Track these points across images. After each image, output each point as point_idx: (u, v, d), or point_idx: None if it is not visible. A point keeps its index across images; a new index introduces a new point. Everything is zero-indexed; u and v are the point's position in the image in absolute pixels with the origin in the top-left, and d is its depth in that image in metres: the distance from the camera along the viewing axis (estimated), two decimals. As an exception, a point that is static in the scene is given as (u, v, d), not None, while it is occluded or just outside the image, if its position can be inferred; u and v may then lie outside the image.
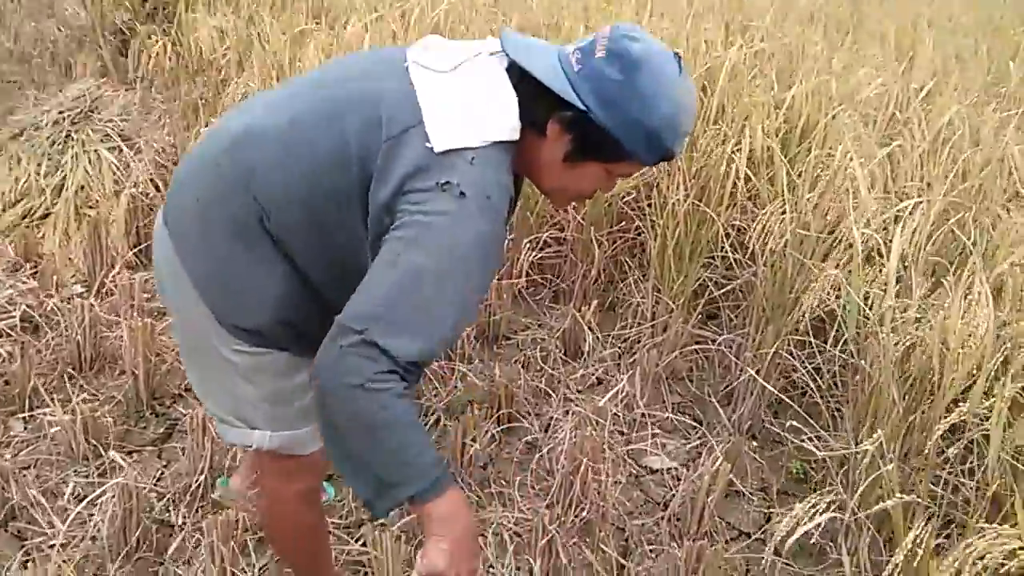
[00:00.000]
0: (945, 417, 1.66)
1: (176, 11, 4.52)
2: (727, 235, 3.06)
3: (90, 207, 3.41)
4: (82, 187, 3.43)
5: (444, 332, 1.27)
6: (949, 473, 1.95)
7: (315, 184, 1.37)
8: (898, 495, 1.56)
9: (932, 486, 1.91)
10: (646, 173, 3.26)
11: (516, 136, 1.35)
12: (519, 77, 1.37)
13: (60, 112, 3.67)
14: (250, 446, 1.61)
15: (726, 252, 3.03)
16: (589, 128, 1.35)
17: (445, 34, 3.71)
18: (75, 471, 2.39)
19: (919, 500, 1.67)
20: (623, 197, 3.32)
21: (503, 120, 1.34)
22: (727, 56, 3.30)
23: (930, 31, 4.75)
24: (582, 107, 1.33)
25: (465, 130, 1.31)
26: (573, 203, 1.48)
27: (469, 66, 1.39)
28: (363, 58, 1.64)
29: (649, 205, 3.21)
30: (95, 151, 3.52)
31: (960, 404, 1.67)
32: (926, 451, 1.71)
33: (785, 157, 2.98)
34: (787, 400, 2.71)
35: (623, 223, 3.33)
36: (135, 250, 3.26)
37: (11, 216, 3.33)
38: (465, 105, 1.34)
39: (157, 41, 4.35)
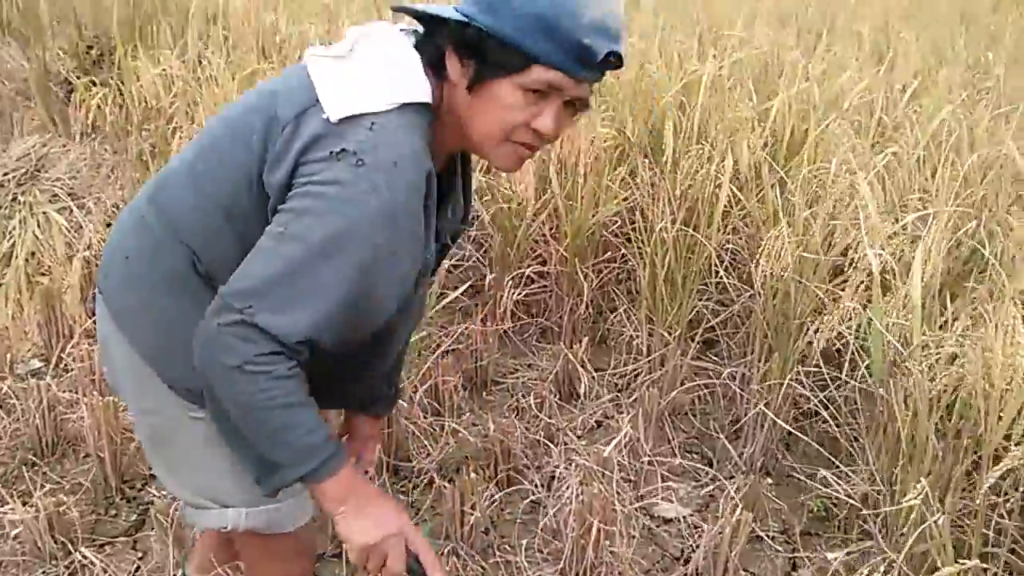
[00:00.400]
0: (995, 464, 1.50)
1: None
2: (720, 259, 2.91)
3: (42, 274, 3.21)
4: (32, 253, 3.23)
5: (331, 310, 1.16)
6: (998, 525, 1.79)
7: (232, 206, 1.26)
8: (955, 562, 1.40)
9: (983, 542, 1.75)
10: (630, 199, 3.11)
11: (426, 97, 1.22)
12: (420, 38, 1.28)
13: (4, 173, 3.47)
14: (225, 527, 1.45)
15: (720, 277, 2.88)
16: (482, 44, 1.19)
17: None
18: (43, 572, 2.19)
19: (981, 566, 1.51)
20: (606, 225, 3.16)
21: (405, 79, 1.22)
22: (704, 70, 3.17)
23: (905, 26, 4.65)
24: (464, 20, 1.19)
25: (364, 96, 1.18)
26: (521, 156, 1.27)
27: (365, 41, 1.26)
28: (269, 79, 1.49)
29: (634, 230, 3.06)
30: (44, 213, 3.32)
31: (1012, 447, 1.51)
32: (976, 502, 1.56)
33: (775, 173, 2.84)
34: (799, 434, 2.56)
35: (608, 252, 3.17)
36: (92, 319, 3.06)
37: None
38: (364, 75, 1.21)
39: (98, 92, 4.13)
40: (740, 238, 2.99)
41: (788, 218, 2.56)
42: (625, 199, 3.10)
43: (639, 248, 2.99)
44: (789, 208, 2.66)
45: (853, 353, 2.25)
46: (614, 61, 1.21)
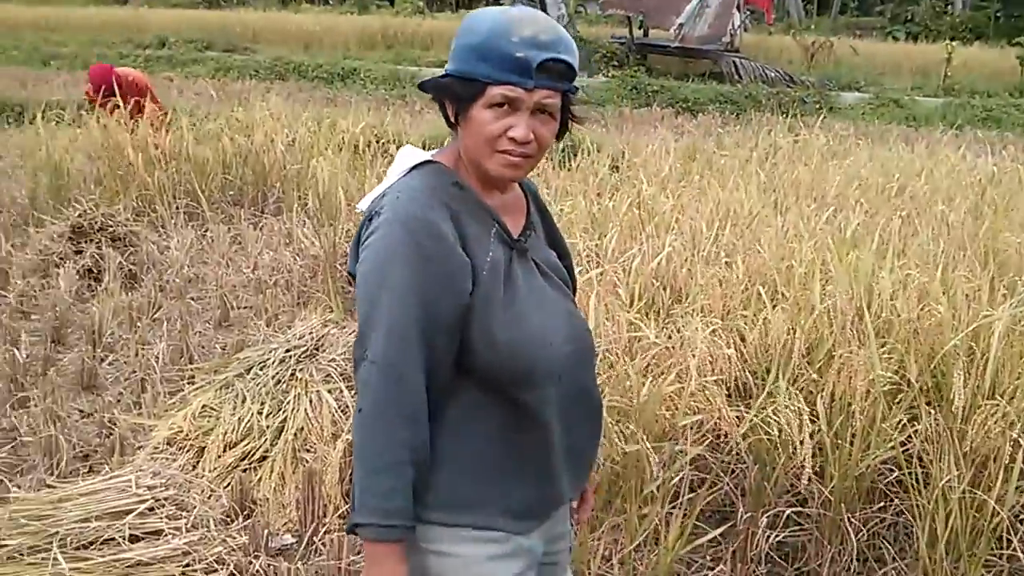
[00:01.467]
0: None
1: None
2: (1013, 528, 2.59)
3: (308, 451, 3.36)
4: (301, 429, 3.40)
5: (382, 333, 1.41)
6: None
7: None
8: None
9: None
10: (908, 445, 2.87)
11: (429, 156, 1.55)
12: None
13: (287, 350, 3.73)
14: None
15: (1014, 548, 2.55)
16: (452, 85, 1.49)
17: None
18: None
19: None
20: (880, 472, 2.92)
21: (412, 156, 1.55)
22: (997, 314, 2.93)
23: None
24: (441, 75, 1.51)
25: (379, 188, 1.55)
26: (512, 163, 1.51)
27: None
28: None
29: (913, 481, 2.79)
30: (316, 392, 3.51)
31: None
32: None
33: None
34: None
35: (882, 503, 2.91)
36: (348, 504, 3.14)
37: (231, 458, 3.32)
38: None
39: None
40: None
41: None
42: (903, 445, 2.86)
43: (917, 502, 2.72)
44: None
45: None
46: (556, 66, 1.45)
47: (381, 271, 1.42)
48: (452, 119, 1.54)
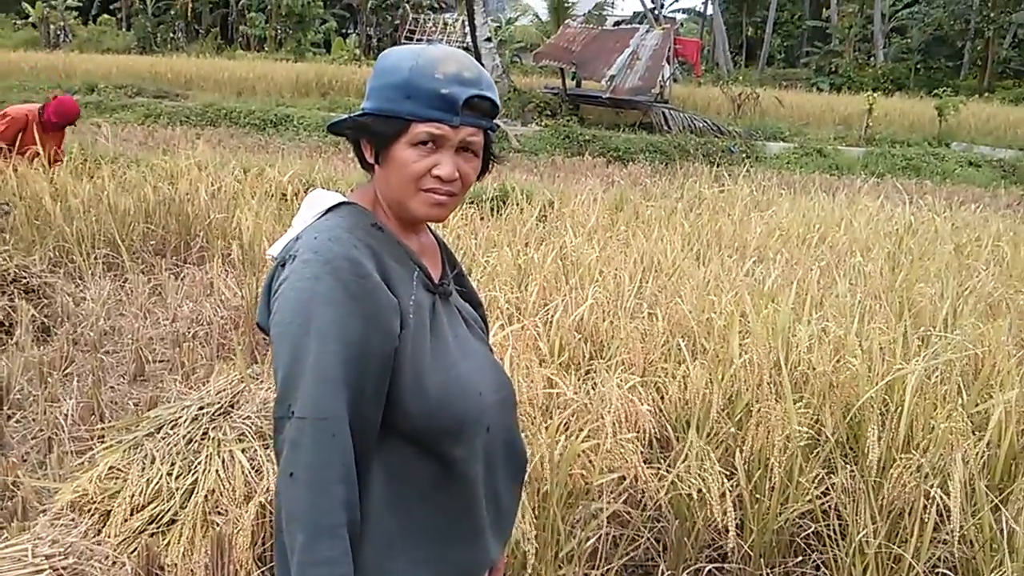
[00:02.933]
0: None
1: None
2: (931, 584, 2.60)
3: (219, 513, 3.23)
4: (212, 491, 3.28)
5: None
6: None
7: None
8: None
9: None
10: (822, 499, 2.87)
11: (342, 198, 1.49)
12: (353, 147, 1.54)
13: (200, 407, 3.61)
14: None
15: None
16: (371, 124, 1.45)
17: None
18: None
19: None
20: (799, 525, 2.91)
21: (321, 200, 1.49)
22: (909, 368, 2.97)
23: None
24: (357, 113, 1.47)
25: (291, 232, 1.48)
26: (437, 201, 1.47)
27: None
28: None
29: (830, 535, 2.80)
30: (229, 451, 3.40)
31: None
32: None
33: (992, 493, 2.57)
34: None
35: (800, 557, 2.90)
36: (260, 569, 3.03)
37: (138, 522, 3.18)
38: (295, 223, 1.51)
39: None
40: (953, 559, 2.67)
41: (1012, 552, 2.27)
42: (819, 499, 2.87)
43: (835, 555, 2.72)
44: (1012, 537, 2.37)
45: None
46: (480, 103, 1.43)
47: (304, 315, 1.32)
48: (370, 159, 1.49)
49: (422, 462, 1.43)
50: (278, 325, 1.36)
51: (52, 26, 35.25)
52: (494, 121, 1.49)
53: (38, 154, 7.11)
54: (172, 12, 37.36)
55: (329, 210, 1.47)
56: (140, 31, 35.45)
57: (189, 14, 38.01)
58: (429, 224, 1.62)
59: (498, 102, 1.47)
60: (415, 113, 1.40)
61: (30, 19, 36.20)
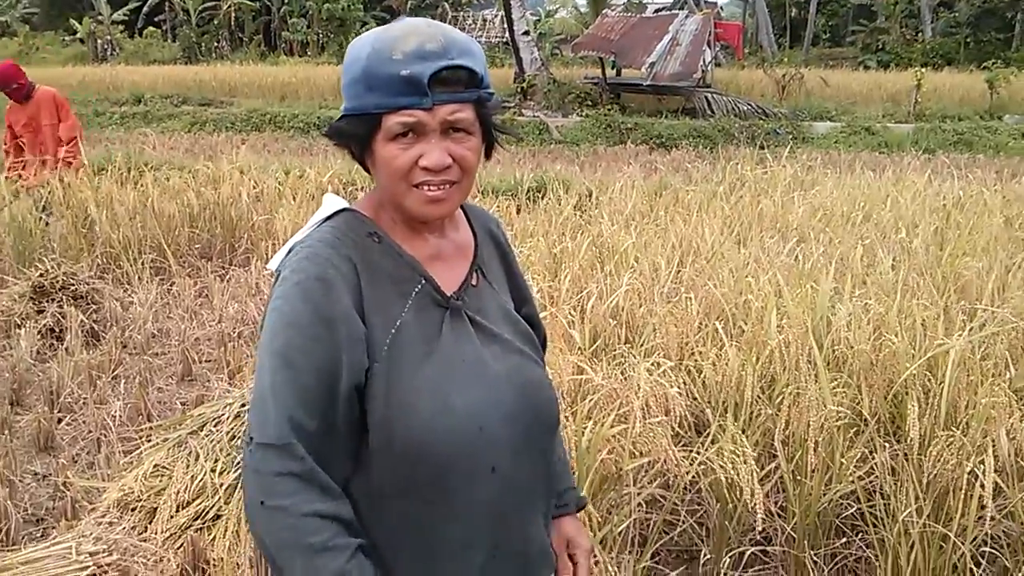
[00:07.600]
0: None
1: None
2: (976, 561, 2.54)
3: (262, 508, 3.27)
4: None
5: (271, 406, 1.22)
6: None
7: None
8: None
9: None
10: (865, 479, 2.82)
11: (345, 204, 1.38)
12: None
13: (243, 404, 3.65)
14: None
15: (978, 582, 2.49)
16: (348, 126, 1.31)
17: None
18: None
19: None
20: (841, 506, 2.86)
21: (328, 206, 1.39)
22: (951, 344, 2.90)
23: None
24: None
25: (291, 242, 1.36)
26: (431, 197, 1.30)
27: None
28: None
29: (873, 516, 2.74)
30: (271, 447, 3.44)
31: None
32: None
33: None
34: None
35: (845, 538, 2.85)
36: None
37: (183, 518, 3.23)
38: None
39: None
40: (1001, 537, 2.60)
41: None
42: (861, 479, 2.81)
43: (878, 537, 2.67)
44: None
45: None
46: (454, 75, 1.25)
47: (271, 337, 1.24)
48: (363, 162, 1.35)
49: (404, 506, 1.30)
50: (259, 346, 1.28)
51: (99, 41, 36.00)
52: (481, 90, 1.29)
53: (84, 164, 7.23)
54: (216, 22, 37.91)
55: (328, 218, 1.36)
56: (185, 41, 36.05)
57: (232, 23, 38.54)
58: (469, 213, 1.50)
59: (477, 68, 1.27)
60: (381, 105, 1.25)
61: (78, 35, 37.05)
